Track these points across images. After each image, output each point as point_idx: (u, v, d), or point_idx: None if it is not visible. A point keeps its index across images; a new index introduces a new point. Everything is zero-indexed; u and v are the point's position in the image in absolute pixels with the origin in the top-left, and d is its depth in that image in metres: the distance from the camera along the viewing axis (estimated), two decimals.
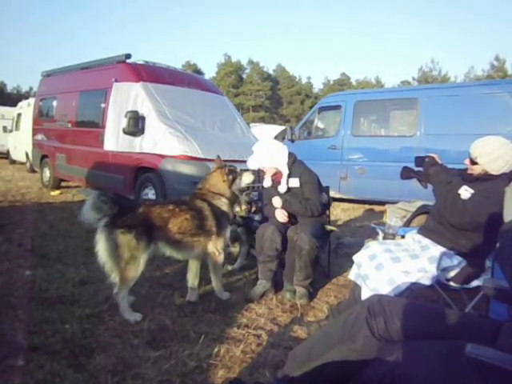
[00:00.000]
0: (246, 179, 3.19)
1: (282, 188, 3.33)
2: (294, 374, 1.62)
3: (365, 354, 1.43)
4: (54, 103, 8.38)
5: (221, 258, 3.02)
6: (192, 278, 3.02)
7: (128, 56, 6.58)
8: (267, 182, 3.42)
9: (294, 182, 3.33)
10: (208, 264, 3.05)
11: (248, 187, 3.67)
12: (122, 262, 2.57)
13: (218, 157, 3.22)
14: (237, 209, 3.76)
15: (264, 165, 3.32)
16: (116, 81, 6.48)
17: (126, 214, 2.65)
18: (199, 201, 2.96)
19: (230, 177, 3.06)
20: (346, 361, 1.47)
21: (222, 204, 3.01)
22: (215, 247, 2.96)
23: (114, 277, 2.63)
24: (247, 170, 3.26)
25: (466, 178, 2.50)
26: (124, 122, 5.98)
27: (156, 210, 2.77)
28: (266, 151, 3.30)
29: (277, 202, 3.24)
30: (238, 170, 3.18)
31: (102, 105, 6.77)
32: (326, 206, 3.66)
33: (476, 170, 2.44)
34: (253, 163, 3.34)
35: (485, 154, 2.37)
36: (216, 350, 2.25)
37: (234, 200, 3.12)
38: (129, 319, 2.58)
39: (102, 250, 2.59)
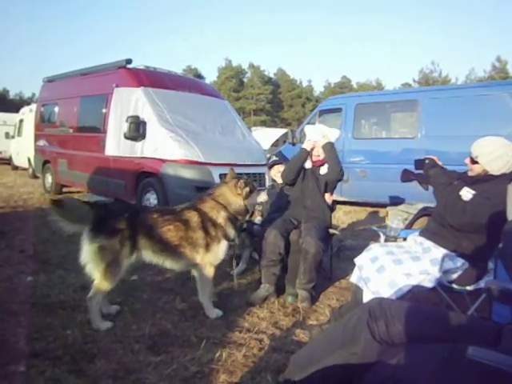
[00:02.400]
0: (261, 198, 3.11)
1: (324, 170, 3.57)
2: (296, 378, 1.62)
3: (366, 357, 1.42)
4: (56, 109, 8.42)
5: (208, 272, 2.81)
6: None
7: (129, 61, 6.61)
8: (308, 164, 3.67)
9: (324, 169, 3.60)
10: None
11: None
12: (102, 266, 2.51)
13: (232, 169, 3.04)
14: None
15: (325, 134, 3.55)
16: (117, 86, 6.53)
17: (112, 218, 2.61)
18: (189, 211, 2.79)
19: (247, 189, 2.88)
20: (347, 364, 1.47)
21: (219, 217, 2.81)
22: (202, 261, 2.78)
23: (95, 280, 2.56)
24: (262, 190, 3.23)
25: (466, 180, 2.49)
26: (125, 127, 6.01)
27: (140, 216, 2.70)
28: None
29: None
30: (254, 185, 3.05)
31: (103, 110, 6.80)
32: (331, 209, 3.71)
33: (476, 170, 2.45)
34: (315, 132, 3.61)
35: (485, 154, 2.38)
36: (218, 354, 2.24)
37: (242, 213, 2.91)
38: (99, 327, 2.50)
39: (84, 252, 2.55)
